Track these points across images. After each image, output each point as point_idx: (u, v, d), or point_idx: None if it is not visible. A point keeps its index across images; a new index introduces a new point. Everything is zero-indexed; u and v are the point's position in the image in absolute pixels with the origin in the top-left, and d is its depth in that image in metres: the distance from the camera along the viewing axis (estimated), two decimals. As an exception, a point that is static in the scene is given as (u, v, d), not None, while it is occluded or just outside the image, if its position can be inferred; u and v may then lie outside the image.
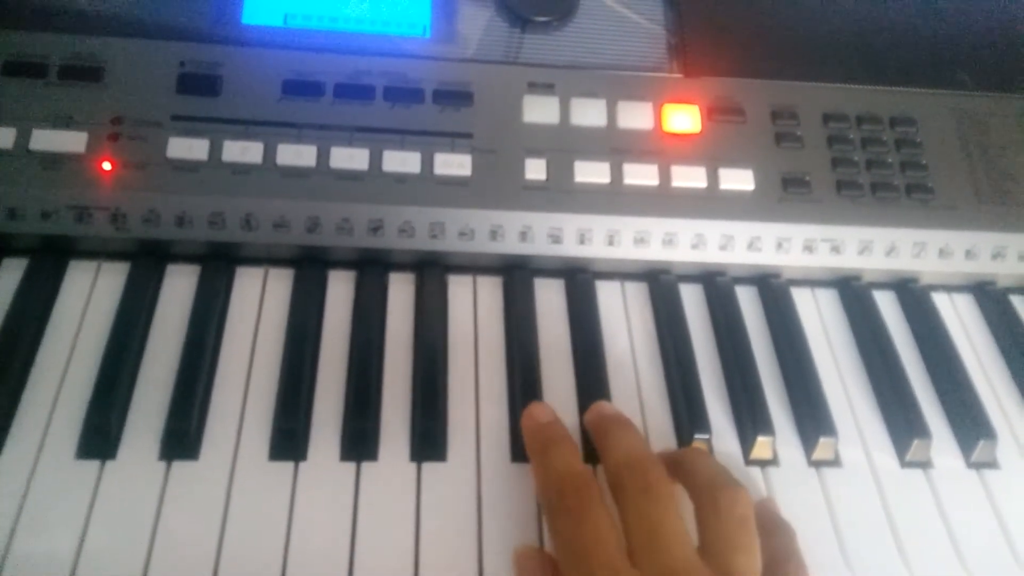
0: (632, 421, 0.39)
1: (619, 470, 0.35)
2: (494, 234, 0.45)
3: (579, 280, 0.47)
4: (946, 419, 0.45)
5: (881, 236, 0.48)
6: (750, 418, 0.42)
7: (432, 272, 0.46)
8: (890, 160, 0.50)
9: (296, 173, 0.44)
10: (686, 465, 0.36)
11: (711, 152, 0.48)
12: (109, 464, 0.38)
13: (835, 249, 0.48)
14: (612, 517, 0.33)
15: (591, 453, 0.40)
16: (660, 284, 0.48)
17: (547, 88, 0.49)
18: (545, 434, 0.38)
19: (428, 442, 0.40)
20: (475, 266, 0.47)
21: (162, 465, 0.38)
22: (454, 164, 0.46)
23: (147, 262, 0.44)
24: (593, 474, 0.36)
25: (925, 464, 0.43)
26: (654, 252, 0.47)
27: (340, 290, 0.45)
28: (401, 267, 0.46)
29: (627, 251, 0.46)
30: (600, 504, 0.33)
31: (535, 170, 0.46)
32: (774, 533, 0.36)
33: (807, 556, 0.36)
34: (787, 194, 0.48)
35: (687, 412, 0.42)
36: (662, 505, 0.33)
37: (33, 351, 0.41)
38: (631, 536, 0.33)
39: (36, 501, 0.36)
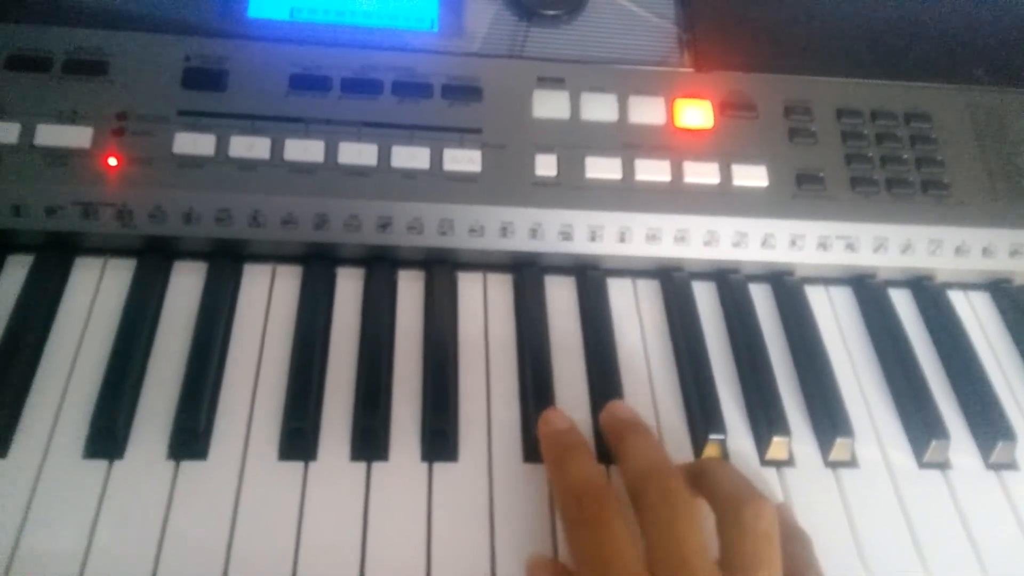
0: (647, 424, 0.38)
1: (638, 480, 0.34)
2: (504, 231, 0.45)
3: (590, 277, 0.46)
4: (964, 419, 0.44)
5: (896, 233, 0.47)
6: (765, 418, 0.42)
7: (442, 269, 0.45)
8: (905, 156, 0.49)
9: (304, 169, 0.44)
10: (708, 476, 0.36)
11: (724, 148, 0.48)
12: (117, 464, 0.37)
13: (850, 246, 0.47)
14: (631, 528, 0.33)
15: (605, 452, 0.39)
16: (672, 281, 0.47)
17: (557, 83, 0.48)
18: (562, 441, 0.37)
19: (439, 442, 0.39)
20: (485, 263, 0.46)
21: (170, 465, 0.38)
22: (463, 160, 0.45)
23: (154, 259, 0.44)
24: (610, 483, 0.35)
25: (943, 465, 0.42)
26: (666, 249, 0.46)
27: (349, 287, 0.45)
28: (410, 264, 0.46)
29: (639, 248, 0.46)
30: (619, 514, 0.33)
31: (545, 166, 0.46)
32: (791, 541, 0.35)
33: (824, 558, 0.36)
34: (801, 190, 0.47)
35: (701, 412, 0.42)
36: (683, 517, 0.32)
37: (39, 349, 0.40)
38: (650, 548, 0.32)
39: (43, 501, 0.36)
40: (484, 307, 0.45)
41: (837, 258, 0.47)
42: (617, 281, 0.47)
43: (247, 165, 0.43)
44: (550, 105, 0.47)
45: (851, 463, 0.42)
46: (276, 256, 0.45)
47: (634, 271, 0.48)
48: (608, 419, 0.39)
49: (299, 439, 0.38)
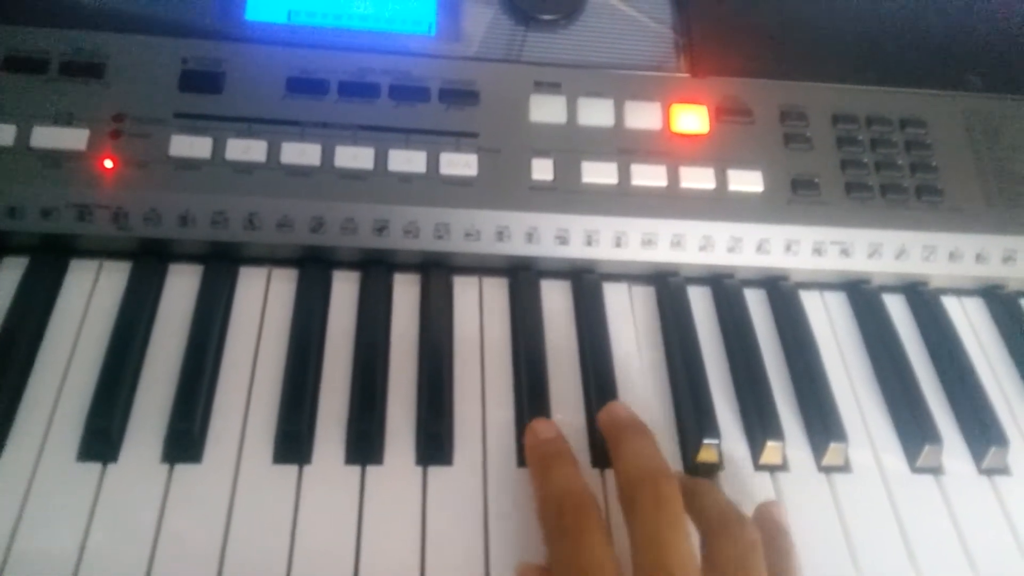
0: (645, 426, 0.38)
1: (631, 483, 0.34)
2: (500, 235, 0.45)
3: (586, 282, 0.46)
4: (957, 424, 0.44)
5: (891, 239, 0.48)
6: (759, 423, 0.42)
7: (437, 273, 0.45)
8: (900, 162, 0.49)
9: (300, 172, 0.44)
10: (698, 495, 0.35)
11: (719, 153, 0.48)
12: (111, 467, 0.37)
13: (844, 252, 0.47)
14: (610, 540, 0.33)
15: (602, 455, 0.39)
16: (668, 286, 0.47)
17: (554, 87, 0.48)
18: (546, 450, 0.37)
19: (434, 446, 0.39)
20: (481, 267, 0.46)
21: (165, 468, 0.37)
22: (460, 164, 0.45)
23: (149, 262, 0.44)
24: (593, 493, 0.34)
25: (936, 470, 0.42)
26: (662, 254, 0.46)
27: (344, 291, 0.45)
28: (406, 268, 0.46)
29: (634, 253, 0.46)
30: (600, 525, 0.33)
31: (542, 170, 0.46)
32: (774, 540, 0.35)
33: (817, 563, 0.36)
34: (796, 196, 0.47)
35: (695, 416, 0.42)
36: (672, 524, 0.32)
37: (34, 351, 0.40)
38: (637, 552, 0.32)
39: (37, 504, 0.36)
40: (480, 311, 0.45)
41: (832, 263, 0.47)
42: (613, 285, 0.47)
43: (243, 168, 0.43)
44: (547, 109, 0.47)
45: (844, 468, 0.42)
46: (272, 259, 0.45)
47: (630, 275, 0.48)
48: (606, 419, 0.39)
49: (294, 442, 0.38)
